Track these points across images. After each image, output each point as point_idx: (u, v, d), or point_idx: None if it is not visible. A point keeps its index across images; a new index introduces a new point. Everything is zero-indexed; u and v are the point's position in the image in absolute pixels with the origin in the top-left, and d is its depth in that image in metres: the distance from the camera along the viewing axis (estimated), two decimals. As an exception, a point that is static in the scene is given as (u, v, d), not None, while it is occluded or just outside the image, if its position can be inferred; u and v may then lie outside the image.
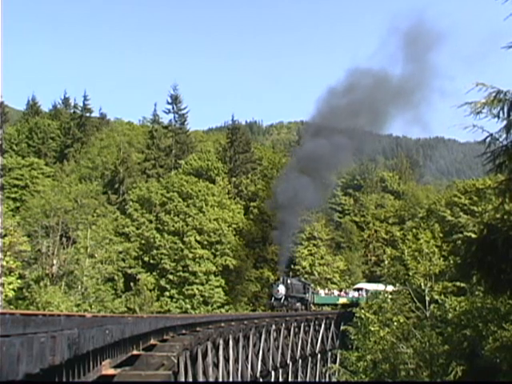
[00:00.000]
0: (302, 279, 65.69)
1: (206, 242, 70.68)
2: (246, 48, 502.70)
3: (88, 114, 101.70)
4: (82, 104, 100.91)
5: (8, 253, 51.90)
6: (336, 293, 68.72)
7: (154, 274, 69.64)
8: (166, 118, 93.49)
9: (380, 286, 67.77)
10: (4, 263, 50.22)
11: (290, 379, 46.43)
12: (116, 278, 66.73)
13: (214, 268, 68.96)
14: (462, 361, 23.11)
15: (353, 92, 70.70)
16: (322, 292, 67.22)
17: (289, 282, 57.67)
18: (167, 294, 68.18)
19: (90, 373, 8.50)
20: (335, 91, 72.07)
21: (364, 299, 63.93)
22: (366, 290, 65.01)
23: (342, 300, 66.14)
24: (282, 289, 55.96)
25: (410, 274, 29.68)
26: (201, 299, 67.13)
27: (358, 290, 68.18)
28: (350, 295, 66.92)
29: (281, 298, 55.84)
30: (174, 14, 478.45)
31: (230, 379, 30.28)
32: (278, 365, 43.19)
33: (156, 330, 15.84)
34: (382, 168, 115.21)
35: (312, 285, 66.05)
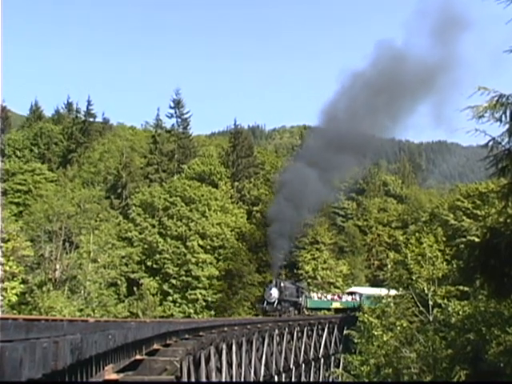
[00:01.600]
0: (298, 283, 63.28)
1: (208, 247, 70.72)
2: (248, 52, 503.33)
3: (91, 119, 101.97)
4: (85, 109, 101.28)
5: (11, 258, 51.90)
6: (329, 297, 66.46)
7: (157, 278, 69.67)
8: (168, 123, 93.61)
9: (373, 290, 67.60)
10: (7, 268, 50.22)
11: (293, 384, 46.36)
12: (119, 282, 66.76)
13: (216, 272, 68.96)
14: (465, 365, 23.06)
15: (377, 76, 67.23)
16: (315, 296, 64.35)
17: (282, 284, 54.80)
18: (170, 298, 68.19)
19: (93, 378, 8.50)
20: (357, 74, 69.06)
21: (357, 303, 63.47)
22: (360, 294, 64.53)
23: (336, 304, 64.57)
24: (274, 292, 53.04)
25: (413, 278, 29.72)
26: (204, 304, 67.13)
27: (351, 293, 66.98)
28: (344, 299, 65.67)
29: (273, 302, 52.74)
30: (175, 19, 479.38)
31: (233, 384, 30.23)
32: (281, 369, 43.14)
33: (159, 334, 15.83)
34: (384, 172, 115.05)
35: (305, 287, 63.60)
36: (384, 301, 32.37)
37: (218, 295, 67.73)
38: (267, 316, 51.01)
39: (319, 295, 65.35)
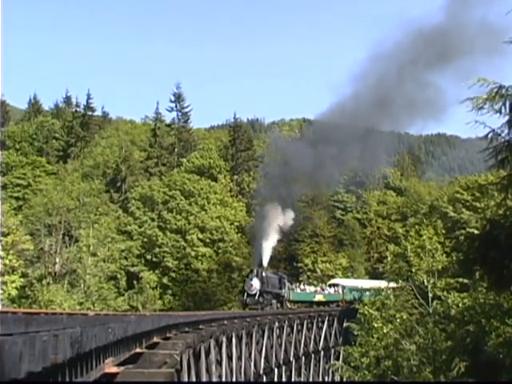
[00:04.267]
0: (280, 273, 58.77)
1: (208, 240, 70.81)
2: (248, 46, 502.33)
3: (90, 113, 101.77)
4: (85, 102, 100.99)
5: (11, 251, 51.94)
6: (312, 289, 62.40)
7: (157, 272, 69.79)
8: (168, 116, 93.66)
9: (356, 282, 66.86)
10: (7, 262, 50.25)
11: (293, 376, 46.35)
12: (119, 276, 66.87)
13: (216, 266, 69.03)
14: (465, 357, 23.11)
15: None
16: (297, 288, 59.41)
17: (264, 274, 49.89)
18: (170, 291, 68.28)
19: (93, 371, 8.50)
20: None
21: (340, 296, 62.86)
22: (343, 286, 63.41)
23: (319, 297, 60.95)
24: (256, 283, 48.28)
25: (413, 270, 29.72)
26: (203, 297, 67.20)
27: (333, 285, 64.39)
28: (326, 292, 62.67)
29: (255, 294, 48.05)
30: (175, 12, 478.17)
31: (233, 377, 30.32)
32: (281, 362, 43.20)
33: (159, 327, 15.84)
34: (384, 164, 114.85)
35: (287, 278, 58.05)
36: (383, 293, 32.37)
37: (217, 288, 67.80)
38: (248, 310, 46.79)
39: (302, 287, 61.51)
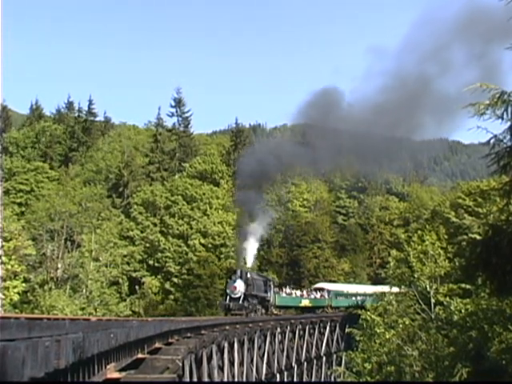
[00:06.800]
0: (266, 275, 55.63)
1: (210, 245, 70.74)
2: (249, 50, 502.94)
3: (92, 118, 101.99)
4: (86, 108, 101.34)
5: (13, 256, 51.91)
6: (299, 293, 59.37)
7: (159, 277, 69.75)
8: (169, 122, 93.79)
9: (342, 286, 66.24)
10: (9, 267, 50.24)
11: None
12: (121, 281, 66.82)
13: (218, 271, 68.95)
14: (467, 363, 23.01)
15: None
16: (283, 292, 55.85)
17: (249, 276, 44.86)
18: (172, 297, 68.21)
19: (95, 376, 8.51)
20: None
21: (325, 301, 62.50)
22: (328, 291, 62.69)
23: (305, 302, 58.81)
24: (240, 285, 43.18)
25: (415, 275, 29.63)
26: (205, 302, 67.13)
27: (318, 290, 62.89)
28: (312, 296, 61.03)
29: (239, 298, 42.95)
30: (177, 18, 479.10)
31: (235, 382, 30.26)
32: (283, 367, 43.12)
33: (161, 333, 15.85)
34: (386, 170, 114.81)
35: (273, 280, 53.93)
36: (386, 299, 32.30)
37: (219, 293, 67.73)
38: (231, 315, 41.90)
39: (288, 291, 58.00)
